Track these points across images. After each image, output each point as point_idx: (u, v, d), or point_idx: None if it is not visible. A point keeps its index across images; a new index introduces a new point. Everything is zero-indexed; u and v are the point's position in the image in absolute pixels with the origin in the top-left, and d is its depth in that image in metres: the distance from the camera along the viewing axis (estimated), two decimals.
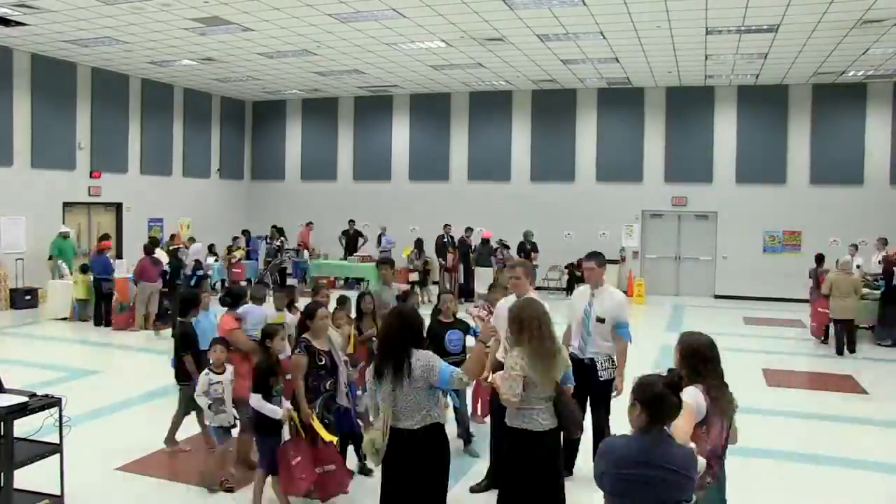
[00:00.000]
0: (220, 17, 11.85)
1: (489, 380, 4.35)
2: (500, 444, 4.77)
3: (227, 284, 16.03)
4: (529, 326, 4.07)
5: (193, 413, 6.11)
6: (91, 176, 16.38)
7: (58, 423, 4.82)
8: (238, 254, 17.73)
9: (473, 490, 5.52)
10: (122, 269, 13.49)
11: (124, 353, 11.00)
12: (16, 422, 4.58)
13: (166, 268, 12.81)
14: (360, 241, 18.70)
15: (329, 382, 5.00)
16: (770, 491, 5.75)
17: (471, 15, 11.52)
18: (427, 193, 19.53)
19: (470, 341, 6.36)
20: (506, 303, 5.23)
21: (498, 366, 4.54)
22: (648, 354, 11.07)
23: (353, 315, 6.61)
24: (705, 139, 17.59)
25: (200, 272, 13.35)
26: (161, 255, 13.05)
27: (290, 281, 18.42)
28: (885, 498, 5.82)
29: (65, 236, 14.26)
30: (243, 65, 15.89)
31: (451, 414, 6.23)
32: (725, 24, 11.80)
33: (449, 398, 6.34)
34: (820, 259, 13.06)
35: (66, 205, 15.83)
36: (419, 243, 16.99)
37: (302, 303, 6.17)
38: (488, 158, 19.04)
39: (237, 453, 5.89)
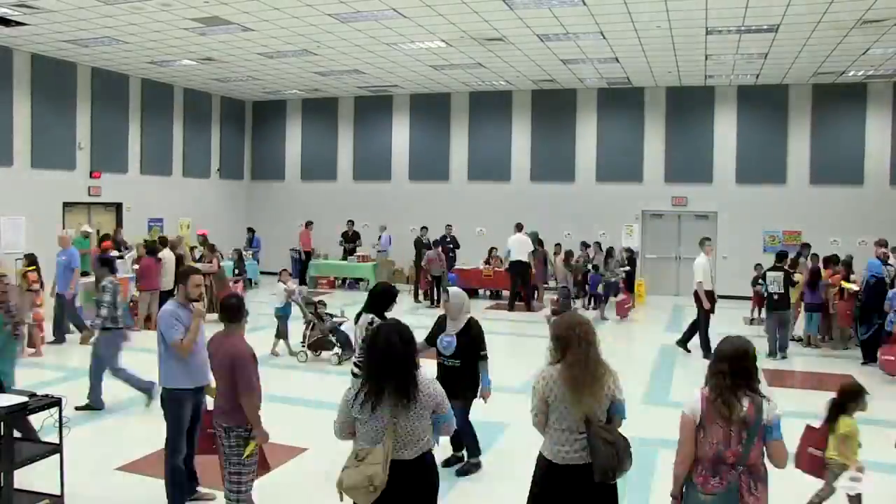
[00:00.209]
0: (220, 17, 11.84)
1: None
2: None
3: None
4: (570, 346, 3.61)
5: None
6: (91, 176, 16.38)
7: (58, 423, 4.82)
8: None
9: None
10: (121, 270, 13.47)
11: (124, 353, 10.98)
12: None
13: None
14: (357, 242, 18.69)
15: None
16: (770, 491, 5.73)
17: (471, 15, 11.52)
18: (427, 193, 19.53)
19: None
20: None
21: None
22: (648, 354, 11.10)
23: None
24: (705, 139, 17.59)
25: None
26: (167, 254, 12.95)
27: (290, 281, 18.36)
28: (885, 498, 5.82)
29: (85, 235, 14.30)
30: (243, 65, 15.89)
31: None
32: (725, 24, 11.80)
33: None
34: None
35: (66, 205, 15.82)
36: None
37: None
38: (488, 158, 19.05)
39: None
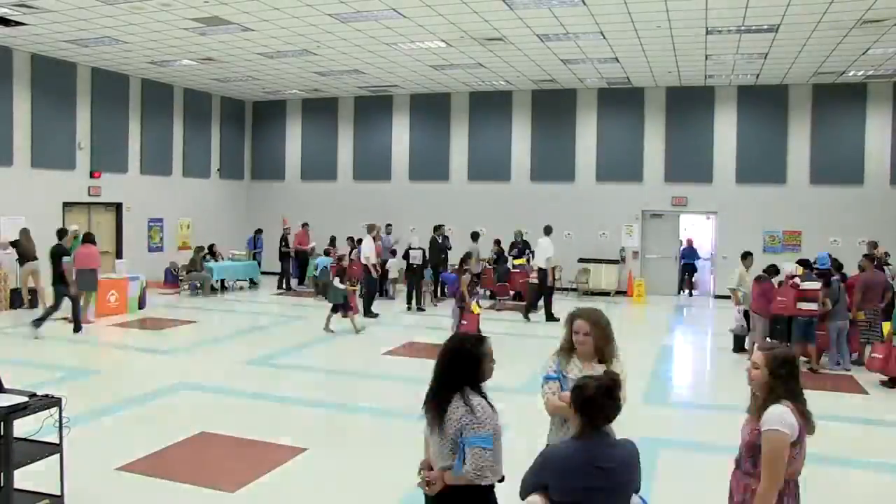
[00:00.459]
0: (220, 17, 11.85)
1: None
2: None
3: None
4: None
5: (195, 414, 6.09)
6: (91, 176, 16.38)
7: (58, 424, 4.81)
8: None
9: None
10: (123, 270, 13.53)
11: (124, 353, 11.01)
12: (16, 422, 4.58)
13: None
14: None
15: None
16: None
17: (471, 15, 11.52)
18: (427, 193, 19.53)
19: None
20: None
21: None
22: (648, 354, 11.09)
23: None
24: (705, 139, 17.59)
25: None
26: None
27: (290, 282, 18.44)
28: (885, 498, 5.82)
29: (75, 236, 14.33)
30: (243, 65, 15.89)
31: None
32: (725, 24, 11.80)
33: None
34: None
35: (66, 205, 15.83)
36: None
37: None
38: (488, 158, 19.05)
39: None
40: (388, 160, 20.06)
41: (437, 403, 3.14)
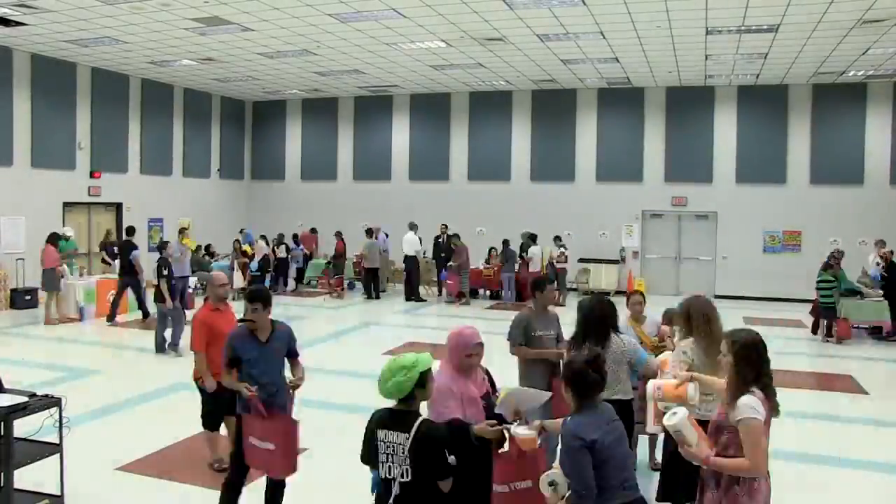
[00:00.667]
0: (220, 17, 11.85)
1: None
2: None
3: None
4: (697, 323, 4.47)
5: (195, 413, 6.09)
6: (91, 176, 16.38)
7: (58, 423, 4.82)
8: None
9: None
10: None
11: (124, 353, 11.01)
12: (16, 422, 4.58)
13: None
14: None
15: None
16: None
17: (471, 15, 11.52)
18: (427, 193, 19.53)
19: None
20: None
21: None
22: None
23: None
24: (705, 139, 17.59)
25: None
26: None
27: (290, 282, 18.41)
28: (885, 498, 5.82)
29: (67, 238, 14.31)
30: (243, 65, 15.89)
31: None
32: (725, 24, 11.80)
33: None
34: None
35: (66, 205, 15.83)
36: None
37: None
38: (488, 158, 19.05)
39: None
40: (388, 160, 20.06)
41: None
